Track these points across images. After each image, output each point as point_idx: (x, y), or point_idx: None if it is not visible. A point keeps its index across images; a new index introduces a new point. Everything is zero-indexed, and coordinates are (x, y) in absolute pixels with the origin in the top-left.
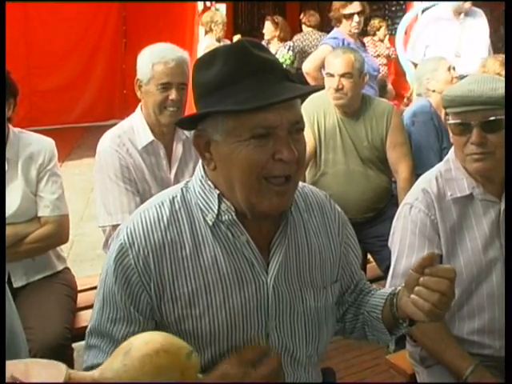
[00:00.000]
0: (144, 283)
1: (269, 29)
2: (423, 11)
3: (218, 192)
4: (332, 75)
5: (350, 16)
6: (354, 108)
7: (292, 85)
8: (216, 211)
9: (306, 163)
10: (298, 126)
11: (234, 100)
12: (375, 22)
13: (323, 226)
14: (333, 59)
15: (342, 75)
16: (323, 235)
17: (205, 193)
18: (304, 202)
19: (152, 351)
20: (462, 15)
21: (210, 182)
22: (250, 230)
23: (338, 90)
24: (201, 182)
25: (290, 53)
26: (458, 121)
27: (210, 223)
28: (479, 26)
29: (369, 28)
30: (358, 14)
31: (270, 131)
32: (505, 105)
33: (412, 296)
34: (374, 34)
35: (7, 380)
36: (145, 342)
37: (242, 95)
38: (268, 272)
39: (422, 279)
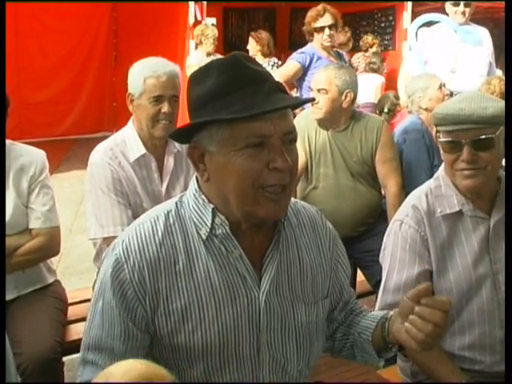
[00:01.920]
0: (139, 297)
1: (251, 45)
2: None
3: (212, 206)
4: (312, 89)
5: (321, 29)
6: (338, 123)
7: (284, 96)
8: (210, 225)
9: (297, 178)
10: (291, 136)
11: (228, 110)
12: (368, 39)
13: (314, 241)
14: (315, 74)
15: (318, 90)
16: (314, 251)
17: (198, 207)
18: (296, 218)
19: (131, 381)
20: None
21: (203, 197)
22: (243, 244)
23: (313, 104)
24: (194, 196)
25: (275, 69)
26: (449, 139)
27: (204, 237)
28: (479, 43)
29: (361, 43)
30: (330, 27)
31: (263, 140)
32: (505, 105)
33: (406, 324)
34: (367, 50)
35: None
36: (124, 372)
37: (236, 106)
38: (260, 286)
39: (417, 308)
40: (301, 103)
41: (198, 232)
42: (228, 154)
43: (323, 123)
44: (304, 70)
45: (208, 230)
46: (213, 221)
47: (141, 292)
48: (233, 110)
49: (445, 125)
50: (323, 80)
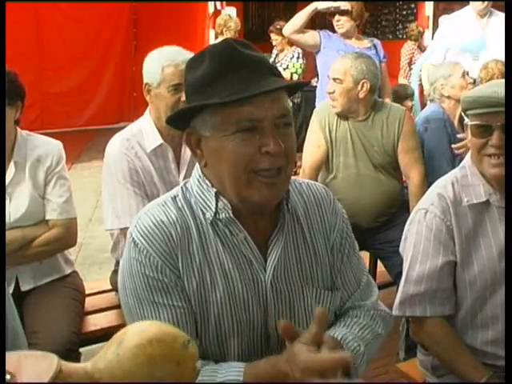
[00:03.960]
0: (170, 268)
1: (276, 40)
2: None
3: (215, 190)
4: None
5: (333, 15)
6: (358, 113)
7: (276, 79)
8: (214, 209)
9: (318, 167)
10: (284, 119)
11: (220, 95)
12: (416, 28)
13: (320, 222)
14: (333, 63)
15: (334, 79)
16: (320, 232)
17: (202, 192)
18: (301, 199)
19: (145, 341)
20: (485, 18)
21: (207, 181)
22: (247, 227)
23: (329, 93)
24: (198, 181)
25: (300, 61)
26: (479, 122)
27: (209, 221)
28: (501, 29)
29: (409, 32)
30: (340, 13)
31: (255, 124)
32: (505, 105)
33: None
34: (417, 40)
35: None
36: (138, 332)
37: (227, 90)
38: (266, 270)
39: None
40: (292, 86)
41: (204, 216)
42: (221, 139)
43: (341, 113)
44: (320, 41)
45: (212, 214)
46: (216, 205)
47: (170, 262)
48: (223, 94)
49: (475, 108)
50: (339, 69)
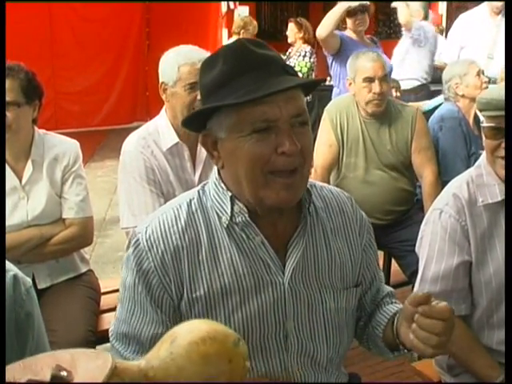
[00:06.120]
0: (165, 285)
1: (292, 30)
2: None
3: (230, 194)
4: (372, 79)
5: (353, 13)
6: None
7: (290, 78)
8: (230, 213)
9: (330, 167)
10: (300, 118)
11: (234, 96)
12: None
13: (343, 227)
14: (368, 63)
15: (381, 78)
16: (343, 236)
17: (219, 195)
18: (323, 202)
19: (198, 339)
20: (500, 16)
21: (222, 184)
22: (264, 230)
23: (380, 94)
24: (215, 184)
25: (306, 59)
26: (492, 124)
27: (225, 225)
28: None
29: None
30: (361, 11)
31: (270, 125)
32: (505, 106)
33: (411, 336)
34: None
35: (52, 370)
36: (190, 330)
37: (240, 91)
38: (284, 273)
39: (416, 317)
40: (306, 83)
41: (219, 220)
42: (236, 140)
43: (376, 113)
44: (340, 45)
45: (228, 218)
46: (232, 209)
47: (166, 280)
48: (237, 95)
49: (489, 110)
50: (380, 67)
